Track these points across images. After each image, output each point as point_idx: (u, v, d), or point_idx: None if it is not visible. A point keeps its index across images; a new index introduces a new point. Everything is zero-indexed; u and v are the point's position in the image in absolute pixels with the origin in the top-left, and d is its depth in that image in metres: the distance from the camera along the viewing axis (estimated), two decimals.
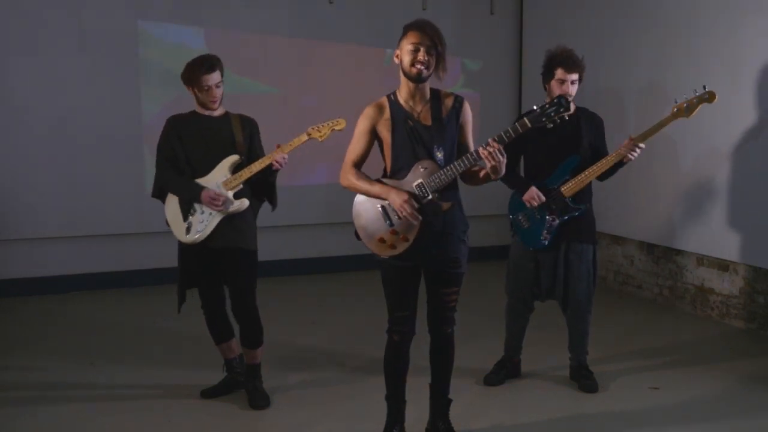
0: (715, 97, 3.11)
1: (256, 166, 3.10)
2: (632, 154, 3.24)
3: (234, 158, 3.14)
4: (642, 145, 3.24)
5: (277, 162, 3.09)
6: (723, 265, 4.65)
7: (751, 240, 4.33)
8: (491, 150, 2.49)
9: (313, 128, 3.13)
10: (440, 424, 2.89)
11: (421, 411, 2.99)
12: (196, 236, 3.14)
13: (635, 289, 5.44)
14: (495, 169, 2.53)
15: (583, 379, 3.51)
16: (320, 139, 3.13)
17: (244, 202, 3.13)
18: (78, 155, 5.27)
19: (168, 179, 3.22)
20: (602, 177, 3.41)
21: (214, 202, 3.08)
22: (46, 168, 5.20)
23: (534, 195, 3.35)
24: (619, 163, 3.32)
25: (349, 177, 2.70)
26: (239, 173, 3.12)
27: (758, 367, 3.82)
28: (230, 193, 3.12)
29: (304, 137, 3.13)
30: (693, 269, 4.89)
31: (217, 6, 5.58)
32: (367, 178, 2.68)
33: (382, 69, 6.14)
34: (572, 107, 2.78)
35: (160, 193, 3.30)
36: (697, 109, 3.15)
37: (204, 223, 3.14)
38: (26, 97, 5.10)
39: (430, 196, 2.60)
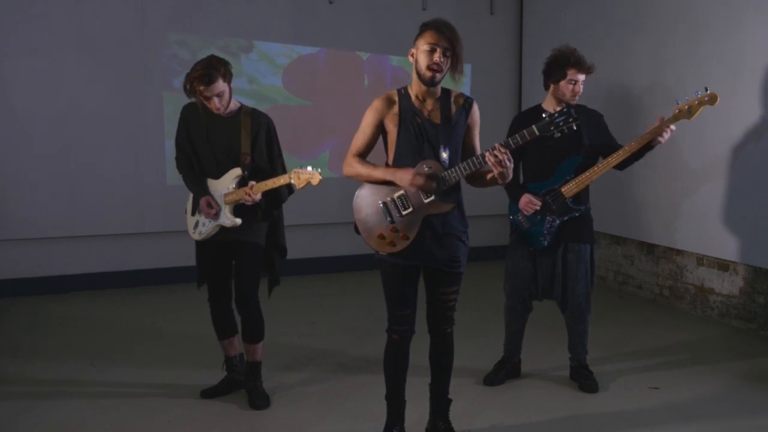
0: (716, 99, 3.11)
1: (242, 194, 3.06)
2: (662, 138, 3.19)
3: (236, 172, 3.13)
4: (671, 128, 3.19)
5: (245, 200, 3.06)
6: (723, 265, 4.66)
7: (751, 240, 4.34)
8: (499, 156, 2.47)
9: (295, 172, 3.04)
10: (440, 424, 2.89)
11: (421, 411, 2.99)
12: (198, 236, 3.23)
13: (635, 289, 5.44)
14: (503, 174, 2.51)
15: (583, 379, 3.51)
16: (297, 188, 3.07)
17: (236, 221, 3.14)
18: (78, 155, 5.27)
19: (183, 173, 3.26)
20: (622, 165, 3.37)
21: (207, 210, 3.13)
22: (46, 168, 5.20)
23: (528, 202, 3.36)
24: (646, 147, 3.26)
25: (352, 164, 2.69)
26: (235, 191, 3.12)
27: (758, 367, 3.82)
28: (227, 208, 3.14)
29: (286, 179, 3.04)
30: (693, 269, 4.90)
31: (218, 5, 5.58)
32: (370, 164, 2.68)
33: (382, 72, 6.16)
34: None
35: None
36: (699, 111, 3.15)
37: (206, 226, 3.20)
38: (26, 96, 5.10)
39: (432, 197, 2.60)
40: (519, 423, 3.12)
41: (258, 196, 3.07)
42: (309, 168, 3.03)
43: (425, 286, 2.78)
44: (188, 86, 2.99)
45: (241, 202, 3.10)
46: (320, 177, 3.03)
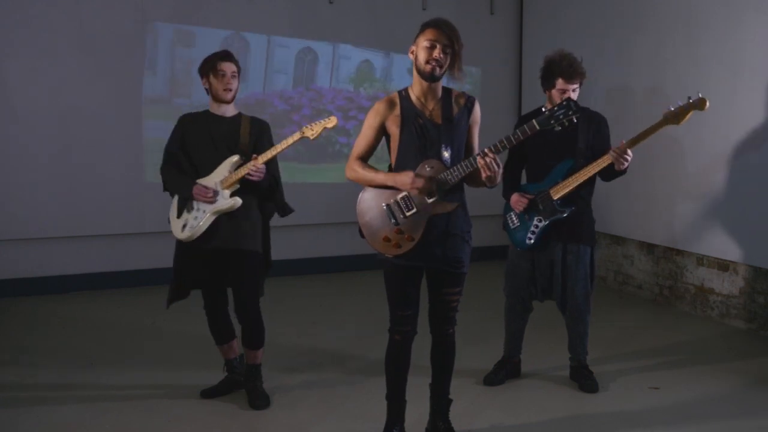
0: (705, 104, 2.99)
1: (247, 168, 3.06)
2: (621, 161, 3.16)
3: (234, 158, 3.12)
4: (629, 152, 3.15)
5: (250, 174, 3.05)
6: (723, 265, 4.66)
7: (751, 240, 4.34)
8: (487, 160, 2.49)
9: (306, 127, 3.14)
10: (440, 424, 2.89)
11: (421, 411, 2.99)
12: (189, 233, 3.14)
13: (635, 289, 5.44)
14: (490, 178, 2.53)
15: (583, 379, 3.51)
16: (312, 138, 3.13)
17: (237, 201, 3.11)
18: (78, 155, 5.27)
19: (166, 177, 3.24)
20: (606, 178, 3.39)
21: (204, 195, 3.09)
22: (46, 168, 5.19)
23: (518, 200, 3.40)
24: (618, 171, 3.25)
25: (354, 168, 2.70)
26: (235, 172, 3.10)
27: (758, 367, 3.82)
28: (227, 192, 3.11)
29: (297, 136, 3.13)
30: (693, 269, 4.90)
31: (218, 6, 5.58)
32: (372, 168, 2.68)
33: (381, 73, 6.17)
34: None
35: (165, 188, 3.33)
36: (688, 116, 3.05)
37: (198, 219, 3.13)
38: (26, 96, 5.10)
39: (435, 197, 2.60)
40: (519, 423, 3.12)
41: (263, 166, 3.07)
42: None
43: (428, 286, 2.78)
44: (207, 65, 3.14)
45: (245, 178, 3.07)
46: (335, 120, 3.13)
